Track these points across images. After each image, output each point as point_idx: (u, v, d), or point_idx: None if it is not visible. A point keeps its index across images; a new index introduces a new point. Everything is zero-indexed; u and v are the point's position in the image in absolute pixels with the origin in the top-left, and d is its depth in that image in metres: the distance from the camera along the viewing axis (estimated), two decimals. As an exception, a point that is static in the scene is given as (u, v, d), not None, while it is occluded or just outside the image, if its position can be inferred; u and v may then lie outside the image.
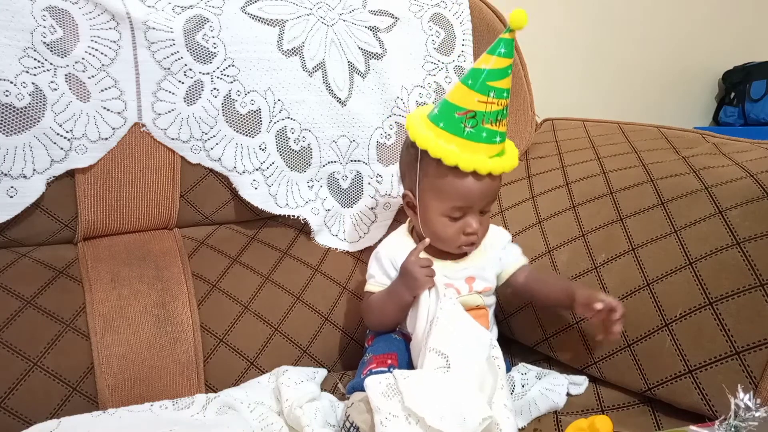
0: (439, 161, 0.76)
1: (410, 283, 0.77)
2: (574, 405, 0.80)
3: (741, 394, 0.51)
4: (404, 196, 0.85)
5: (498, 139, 0.76)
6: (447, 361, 0.71)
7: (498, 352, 0.73)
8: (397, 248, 0.83)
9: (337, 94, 0.99)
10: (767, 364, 0.68)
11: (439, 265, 0.81)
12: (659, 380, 0.75)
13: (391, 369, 0.77)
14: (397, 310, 0.81)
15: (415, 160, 0.80)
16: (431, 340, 0.72)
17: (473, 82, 0.75)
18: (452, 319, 0.73)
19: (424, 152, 0.78)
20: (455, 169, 0.76)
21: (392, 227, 1.02)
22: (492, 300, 0.87)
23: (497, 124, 0.75)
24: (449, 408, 0.64)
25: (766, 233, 0.72)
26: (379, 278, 0.85)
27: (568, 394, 0.82)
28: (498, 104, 0.74)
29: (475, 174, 0.76)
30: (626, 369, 0.79)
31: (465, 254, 0.84)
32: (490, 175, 0.76)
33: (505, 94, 0.75)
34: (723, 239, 0.75)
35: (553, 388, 0.81)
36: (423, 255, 0.81)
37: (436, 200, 0.79)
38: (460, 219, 0.80)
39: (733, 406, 0.51)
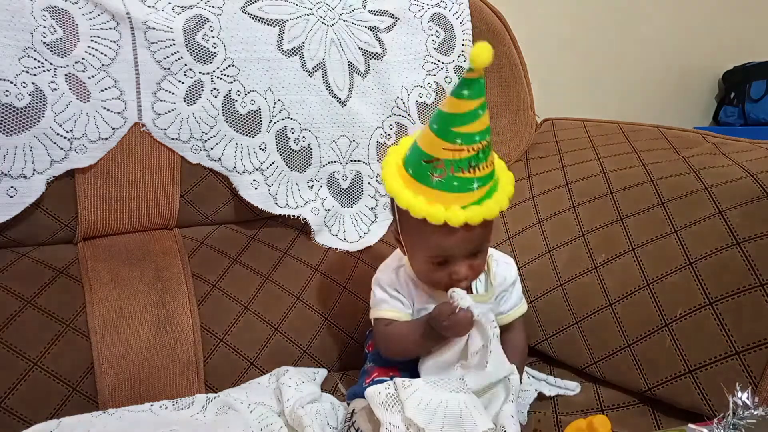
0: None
1: (452, 334, 0.71)
2: (574, 405, 0.80)
3: (739, 393, 0.51)
4: (394, 236, 0.79)
5: (476, 185, 0.67)
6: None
7: (516, 378, 0.71)
8: (398, 276, 0.79)
9: (337, 94, 0.99)
10: (767, 364, 0.68)
11: (440, 298, 0.75)
12: (659, 380, 0.75)
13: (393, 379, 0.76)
14: (430, 347, 0.75)
15: (393, 207, 0.76)
16: (489, 371, 0.69)
17: (438, 128, 0.66)
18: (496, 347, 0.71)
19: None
20: (426, 221, 0.68)
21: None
22: None
23: (471, 170, 0.66)
24: (450, 420, 0.64)
25: (766, 233, 0.72)
26: (392, 303, 0.78)
27: (551, 398, 0.82)
28: (469, 150, 0.65)
29: (447, 226, 0.67)
30: (626, 369, 0.79)
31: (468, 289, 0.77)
32: (466, 225, 0.67)
33: (477, 138, 0.65)
34: (723, 239, 0.75)
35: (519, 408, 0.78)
36: (432, 297, 0.77)
37: (415, 247, 0.74)
38: (446, 264, 0.72)
39: (731, 404, 0.51)
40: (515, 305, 0.81)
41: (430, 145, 0.67)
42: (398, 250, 0.81)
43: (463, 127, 0.65)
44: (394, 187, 0.70)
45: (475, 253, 0.73)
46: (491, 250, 0.79)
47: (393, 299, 0.78)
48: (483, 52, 0.60)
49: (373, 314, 0.79)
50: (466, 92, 0.64)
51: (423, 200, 0.68)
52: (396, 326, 0.77)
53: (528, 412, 0.80)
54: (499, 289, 0.78)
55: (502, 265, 0.80)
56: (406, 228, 0.74)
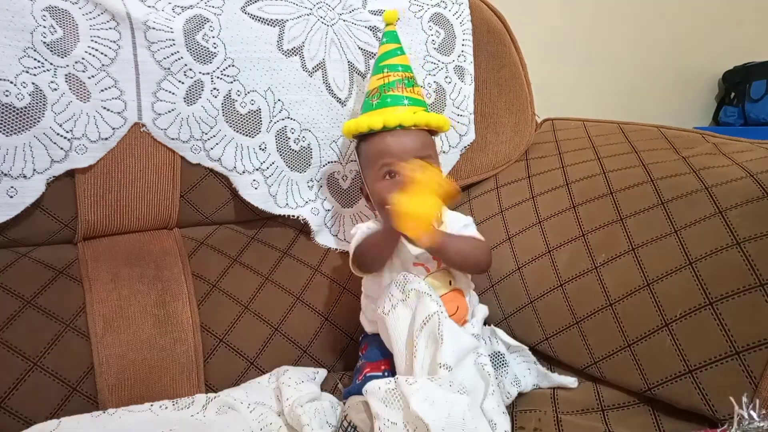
0: (363, 139, 0.87)
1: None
2: (574, 404, 0.80)
3: (745, 404, 0.51)
4: (361, 189, 0.92)
5: (406, 102, 0.85)
6: (451, 371, 0.71)
7: (485, 359, 0.74)
8: (373, 223, 0.88)
9: (337, 94, 0.99)
10: (767, 364, 0.68)
11: (409, 247, 0.84)
12: (659, 380, 0.75)
13: (386, 374, 0.77)
14: (378, 245, 0.82)
15: (356, 156, 0.91)
16: (442, 356, 0.70)
17: (373, 70, 0.90)
18: (449, 330, 0.73)
19: (358, 144, 0.90)
20: (372, 135, 0.85)
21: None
22: (463, 277, 0.87)
23: (400, 89, 0.86)
24: (453, 420, 0.64)
25: (766, 233, 0.72)
26: (360, 236, 0.86)
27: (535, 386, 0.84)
28: (395, 76, 0.86)
29: (387, 129, 0.84)
30: (626, 369, 0.79)
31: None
32: (402, 128, 0.84)
33: (399, 68, 0.87)
34: (723, 239, 0.75)
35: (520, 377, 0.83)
36: (402, 244, 0.83)
37: (371, 170, 0.86)
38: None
39: (736, 416, 0.51)
40: (468, 233, 0.88)
41: (371, 85, 0.89)
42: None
43: (387, 60, 0.88)
44: (348, 127, 0.88)
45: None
46: (449, 211, 0.89)
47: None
48: (392, 14, 0.91)
49: (351, 249, 0.86)
50: (385, 39, 0.90)
51: (366, 117, 0.86)
52: (363, 239, 0.85)
53: (528, 411, 0.80)
54: (450, 228, 0.87)
55: (454, 214, 0.90)
56: (363, 162, 0.88)
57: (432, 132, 0.89)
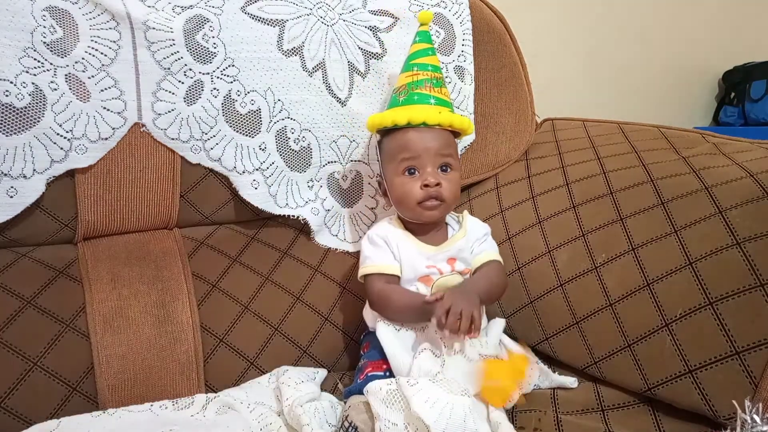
0: (386, 134, 0.87)
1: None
2: (574, 404, 0.80)
3: (747, 408, 0.51)
4: (379, 184, 0.91)
5: (432, 101, 0.86)
6: (441, 365, 0.71)
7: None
8: (387, 229, 0.87)
9: (337, 94, 0.99)
10: (767, 364, 0.68)
11: (422, 249, 0.85)
12: (659, 380, 0.75)
13: (387, 373, 0.77)
14: (417, 321, 0.81)
15: (376, 150, 0.90)
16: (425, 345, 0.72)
17: (403, 66, 0.90)
18: None
19: (380, 139, 0.89)
20: (397, 130, 0.85)
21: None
22: None
23: (427, 88, 0.86)
24: (454, 422, 0.64)
25: (766, 233, 0.72)
26: (375, 258, 0.85)
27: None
28: (424, 75, 0.87)
29: (412, 126, 0.84)
30: (626, 369, 0.79)
31: (446, 237, 0.87)
32: (427, 126, 0.84)
33: (429, 68, 0.88)
34: (723, 239, 0.75)
35: None
36: (416, 247, 0.84)
37: (391, 164, 0.86)
38: (418, 176, 0.84)
39: (739, 420, 0.51)
40: (486, 250, 0.89)
41: (399, 81, 0.89)
42: (391, 216, 0.91)
43: (418, 59, 0.88)
44: (373, 121, 0.88)
45: (444, 168, 0.85)
46: (469, 216, 0.90)
47: (380, 253, 0.85)
48: (427, 14, 0.92)
49: (362, 271, 0.86)
50: (418, 38, 0.91)
51: (391, 112, 0.86)
52: (395, 290, 0.83)
53: (528, 411, 0.80)
54: (473, 237, 0.88)
55: (474, 221, 0.91)
56: (385, 156, 0.88)
57: (455, 134, 0.89)
